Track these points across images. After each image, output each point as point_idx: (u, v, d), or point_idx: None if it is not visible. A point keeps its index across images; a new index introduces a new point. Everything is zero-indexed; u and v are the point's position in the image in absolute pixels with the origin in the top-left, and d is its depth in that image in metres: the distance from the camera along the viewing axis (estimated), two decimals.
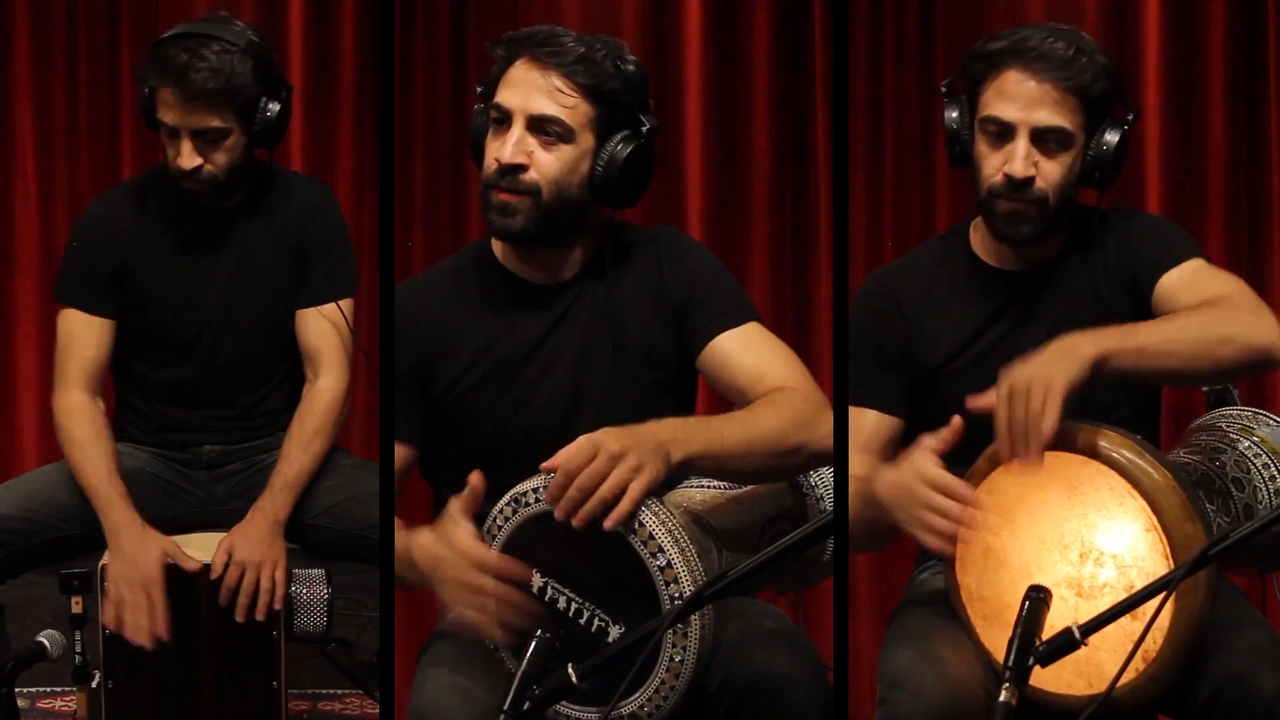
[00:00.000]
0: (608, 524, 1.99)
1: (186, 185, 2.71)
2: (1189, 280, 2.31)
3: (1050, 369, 2.06)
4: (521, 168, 2.26)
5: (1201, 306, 2.21)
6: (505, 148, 2.26)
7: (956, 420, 2.17)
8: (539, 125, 2.26)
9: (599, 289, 2.36)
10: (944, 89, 2.42)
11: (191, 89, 2.63)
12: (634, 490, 2.00)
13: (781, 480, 2.32)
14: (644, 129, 2.31)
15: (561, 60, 2.26)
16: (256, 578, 2.61)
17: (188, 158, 2.68)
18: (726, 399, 2.35)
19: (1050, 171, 2.34)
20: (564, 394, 2.34)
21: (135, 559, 2.60)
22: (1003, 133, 2.33)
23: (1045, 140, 2.33)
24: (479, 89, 2.35)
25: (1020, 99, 2.32)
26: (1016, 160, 2.32)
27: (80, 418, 2.74)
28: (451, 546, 2.09)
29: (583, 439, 2.03)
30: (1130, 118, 2.37)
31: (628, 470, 2.01)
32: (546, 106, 2.26)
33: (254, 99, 2.69)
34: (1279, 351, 2.15)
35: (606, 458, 2.01)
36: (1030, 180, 2.32)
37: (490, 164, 2.28)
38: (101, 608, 2.60)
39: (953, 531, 2.14)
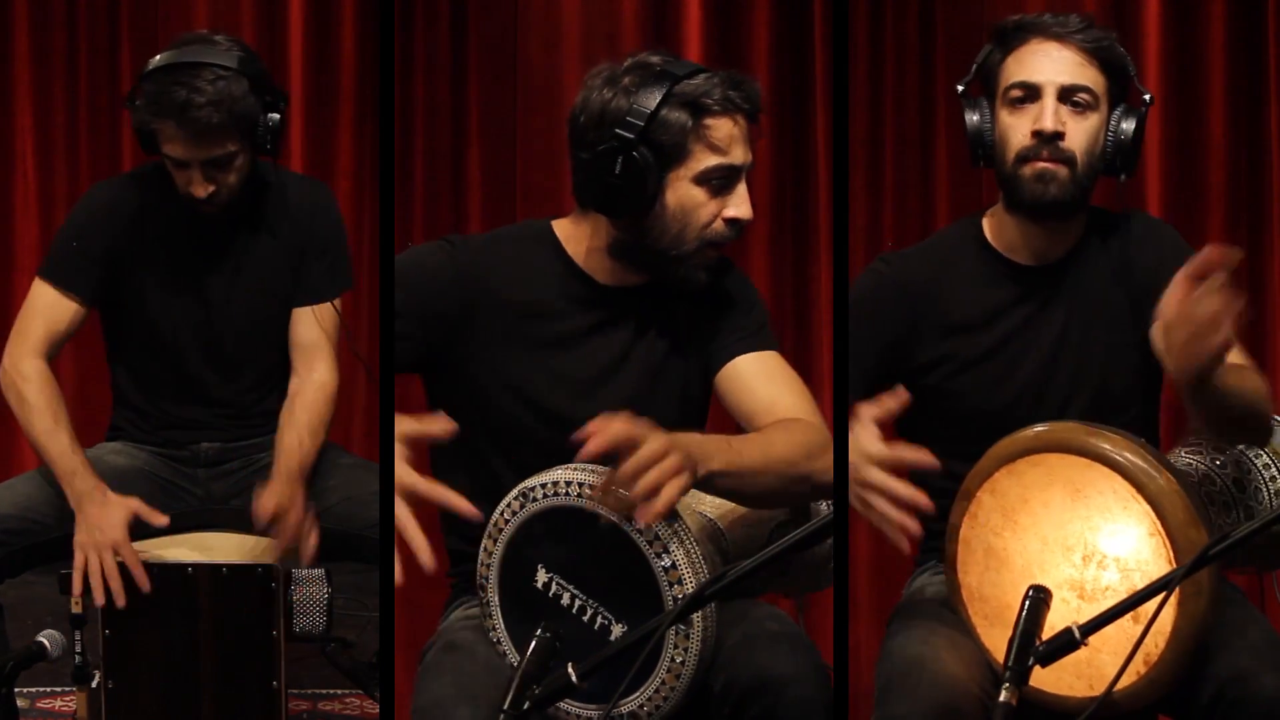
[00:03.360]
0: (643, 520, 1.96)
1: (201, 210, 2.73)
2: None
3: None
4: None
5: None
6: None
7: (902, 392, 2.18)
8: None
9: (665, 301, 2.34)
10: (961, 90, 2.40)
11: (196, 125, 2.62)
12: (671, 491, 1.96)
13: (785, 507, 2.30)
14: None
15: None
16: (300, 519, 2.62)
17: (200, 186, 2.69)
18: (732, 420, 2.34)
19: (1077, 133, 2.33)
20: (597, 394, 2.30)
21: (100, 523, 2.59)
22: (1028, 96, 2.33)
23: (1072, 100, 2.33)
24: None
25: (1045, 61, 2.33)
26: (1046, 115, 2.32)
27: (43, 385, 2.73)
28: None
29: (621, 424, 1.96)
30: (1147, 98, 2.38)
31: (670, 471, 1.96)
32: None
33: (255, 117, 2.68)
34: None
35: (650, 452, 1.95)
36: (1059, 135, 2.32)
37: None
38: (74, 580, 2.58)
39: (902, 520, 2.08)
